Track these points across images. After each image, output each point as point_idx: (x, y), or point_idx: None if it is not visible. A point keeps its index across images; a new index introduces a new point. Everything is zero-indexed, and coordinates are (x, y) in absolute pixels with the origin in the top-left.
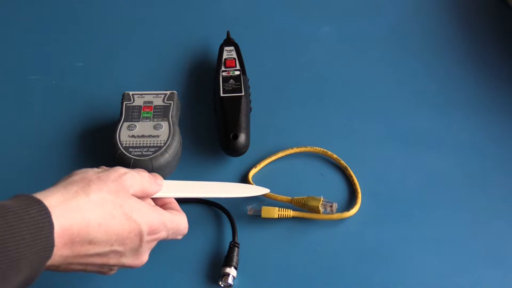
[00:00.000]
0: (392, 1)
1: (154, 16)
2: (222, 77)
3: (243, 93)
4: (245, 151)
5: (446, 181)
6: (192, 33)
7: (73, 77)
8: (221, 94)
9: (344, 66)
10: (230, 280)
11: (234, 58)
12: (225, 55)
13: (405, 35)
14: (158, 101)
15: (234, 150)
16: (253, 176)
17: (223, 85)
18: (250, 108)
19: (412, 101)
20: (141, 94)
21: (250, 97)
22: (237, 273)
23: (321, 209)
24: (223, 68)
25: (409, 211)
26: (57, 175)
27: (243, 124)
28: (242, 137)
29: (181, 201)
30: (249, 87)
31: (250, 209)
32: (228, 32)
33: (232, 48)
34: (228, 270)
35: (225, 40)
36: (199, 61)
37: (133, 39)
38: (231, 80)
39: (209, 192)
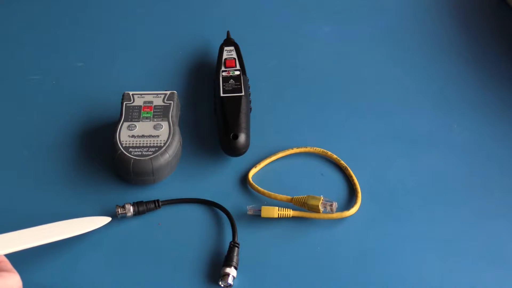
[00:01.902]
0: (392, 1)
1: (154, 16)
2: (222, 77)
3: (243, 93)
4: (245, 151)
5: (446, 181)
6: (192, 33)
7: (73, 77)
8: (221, 94)
9: (344, 66)
10: (230, 280)
11: (234, 58)
12: (225, 55)
13: (405, 35)
14: (158, 101)
15: (234, 150)
16: (253, 176)
17: (223, 85)
18: (250, 108)
19: (412, 101)
20: (141, 94)
21: (250, 97)
22: (237, 273)
23: (321, 208)
24: (223, 68)
25: (409, 211)
26: (56, 176)
27: (243, 124)
28: (242, 137)
29: (179, 202)
30: (249, 87)
31: (250, 209)
32: (228, 32)
33: (232, 48)
34: (228, 270)
35: (225, 40)
36: (199, 61)
37: (133, 39)
38: (231, 80)
39: (45, 237)
